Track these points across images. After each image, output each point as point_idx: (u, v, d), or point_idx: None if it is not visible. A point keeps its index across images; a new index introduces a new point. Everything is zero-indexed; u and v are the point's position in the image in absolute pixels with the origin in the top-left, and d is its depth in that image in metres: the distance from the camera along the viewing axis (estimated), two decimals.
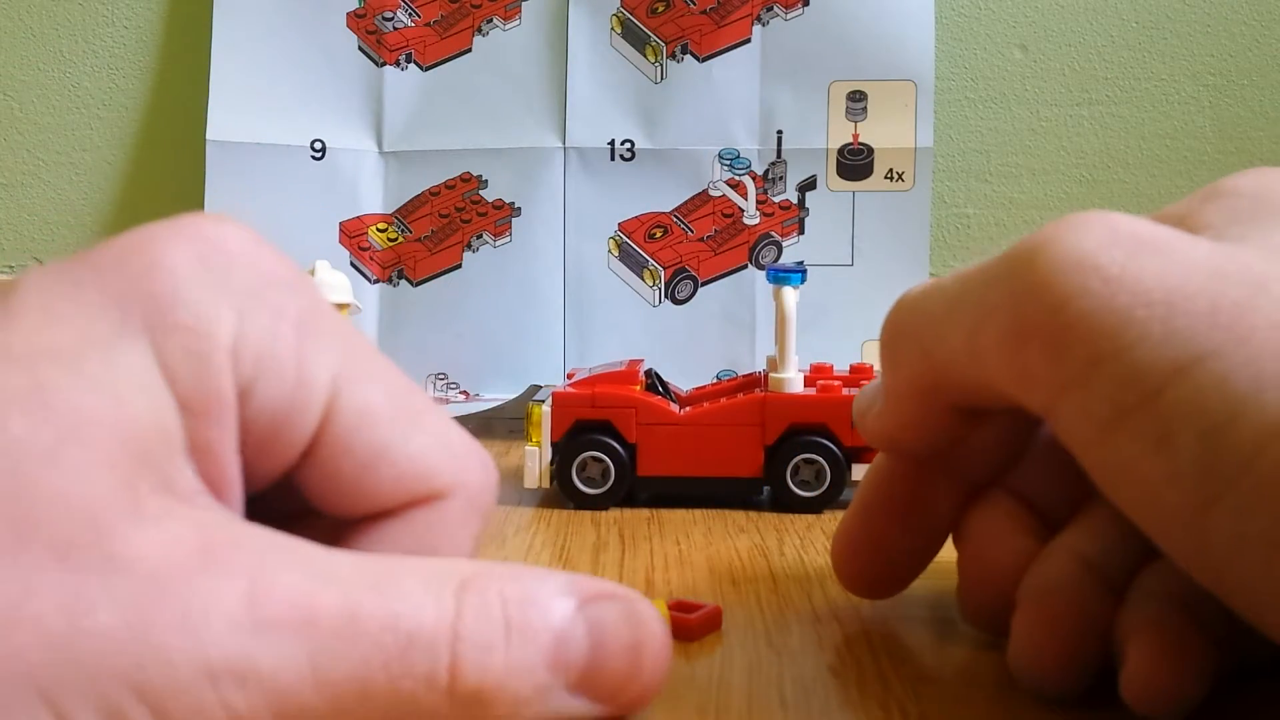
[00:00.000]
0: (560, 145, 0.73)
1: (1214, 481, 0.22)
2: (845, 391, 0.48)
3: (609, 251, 0.73)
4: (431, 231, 0.74)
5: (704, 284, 0.73)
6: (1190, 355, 0.23)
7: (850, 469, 0.47)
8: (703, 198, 0.73)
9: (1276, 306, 0.23)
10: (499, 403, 0.66)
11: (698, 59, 0.73)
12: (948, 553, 0.42)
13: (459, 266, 0.73)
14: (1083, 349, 0.24)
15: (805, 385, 0.48)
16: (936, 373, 0.28)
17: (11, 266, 0.80)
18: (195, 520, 0.21)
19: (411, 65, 0.74)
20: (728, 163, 0.73)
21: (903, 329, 0.29)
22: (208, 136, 0.74)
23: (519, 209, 0.73)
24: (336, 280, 0.51)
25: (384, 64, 0.74)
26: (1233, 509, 0.22)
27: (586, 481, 0.48)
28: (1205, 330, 0.23)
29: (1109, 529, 0.30)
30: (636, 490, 0.48)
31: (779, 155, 0.73)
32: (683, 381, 0.53)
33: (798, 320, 0.48)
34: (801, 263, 0.50)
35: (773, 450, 0.48)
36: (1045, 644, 0.28)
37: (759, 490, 0.49)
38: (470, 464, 0.26)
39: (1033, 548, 0.31)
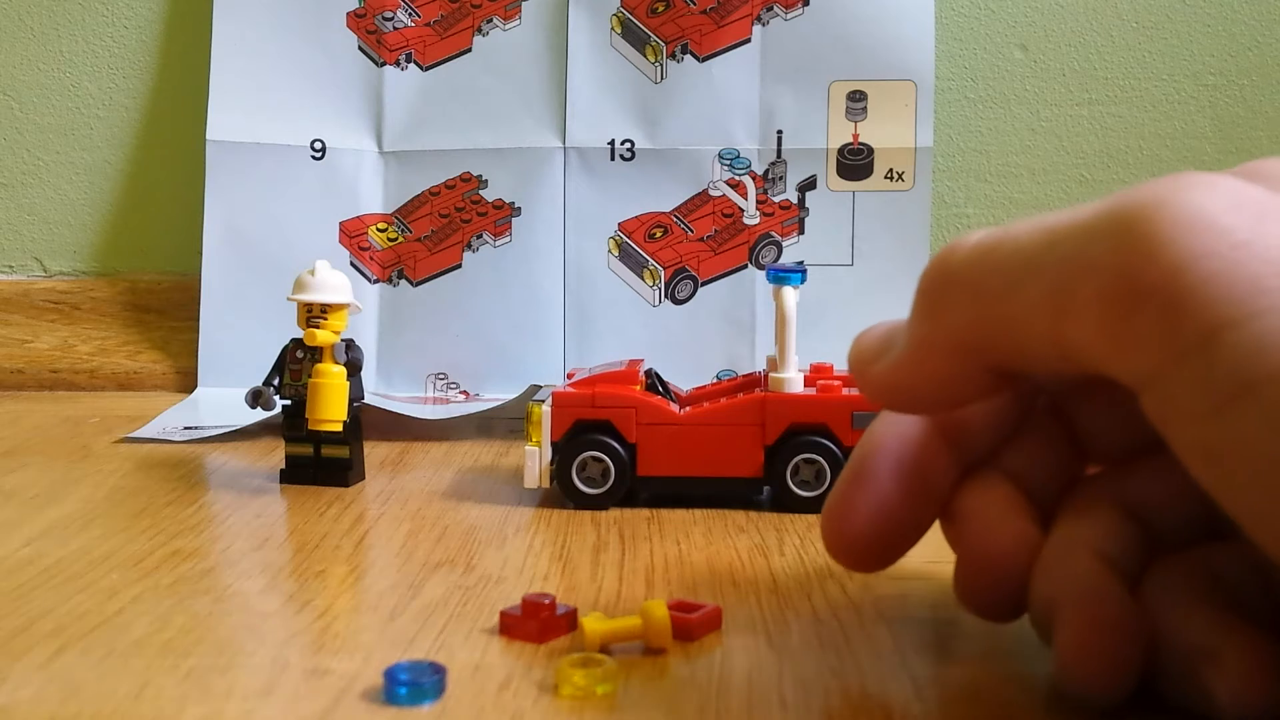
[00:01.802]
0: (560, 145, 0.73)
1: None
2: (845, 391, 0.48)
3: (609, 251, 0.73)
4: (431, 231, 0.74)
5: (704, 284, 0.73)
6: None
7: None
8: (703, 198, 0.73)
9: None
10: (499, 403, 0.66)
11: (698, 59, 0.73)
12: (946, 553, 0.42)
13: (459, 266, 0.73)
14: (1205, 314, 0.22)
15: (805, 385, 0.48)
16: (993, 327, 0.26)
17: (11, 266, 0.80)
18: None
19: (411, 65, 0.74)
20: (728, 163, 0.73)
21: (957, 277, 0.27)
22: (208, 136, 0.74)
23: (519, 209, 0.73)
24: (336, 280, 0.51)
25: (384, 64, 0.74)
26: None
27: (586, 481, 0.48)
28: None
29: (1122, 526, 0.29)
30: (636, 490, 0.48)
31: (779, 155, 0.73)
32: (683, 381, 0.53)
33: (798, 320, 0.48)
34: (801, 263, 0.50)
35: (773, 450, 0.48)
36: (1103, 651, 0.27)
37: (759, 490, 0.48)
38: None
39: (1032, 531, 0.30)
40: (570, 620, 0.34)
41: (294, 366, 0.51)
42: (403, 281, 0.74)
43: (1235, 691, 0.25)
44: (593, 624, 0.32)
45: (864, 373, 0.30)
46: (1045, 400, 0.32)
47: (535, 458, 0.48)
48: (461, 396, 0.71)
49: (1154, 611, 0.28)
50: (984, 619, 0.31)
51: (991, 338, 0.27)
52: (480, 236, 0.73)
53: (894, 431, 0.32)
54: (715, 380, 0.60)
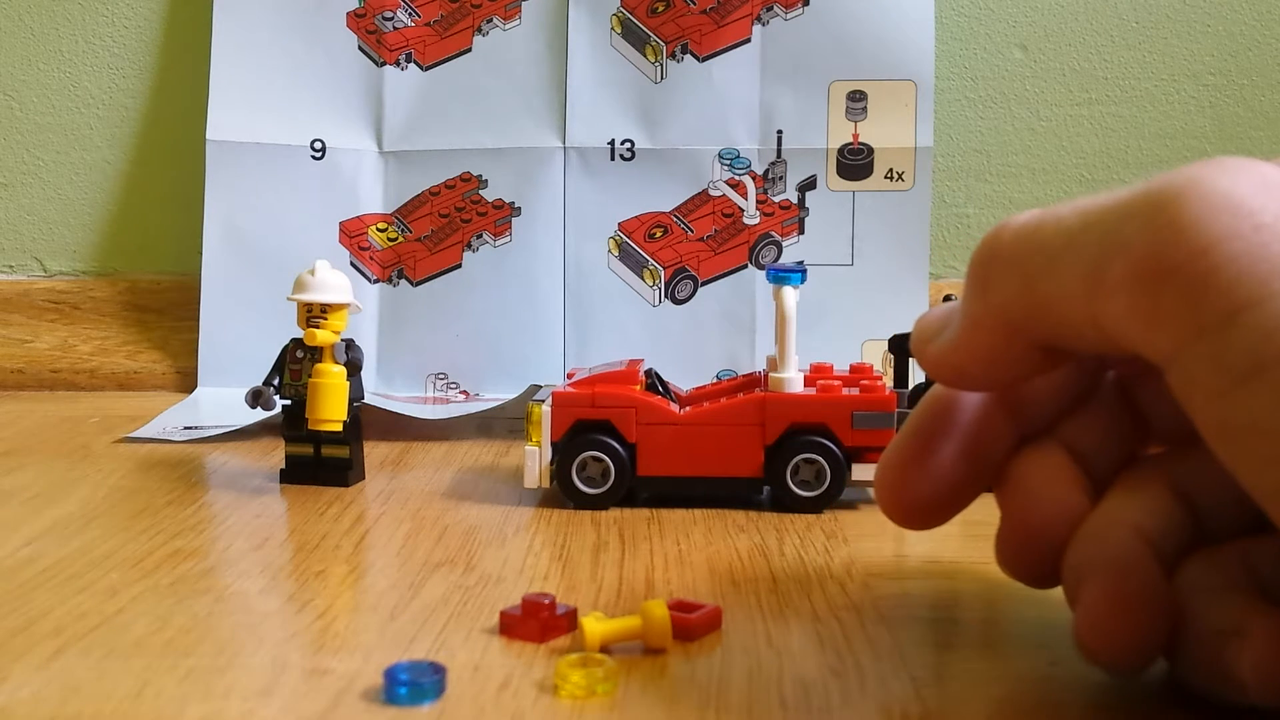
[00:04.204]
0: (560, 145, 0.73)
1: None
2: (845, 391, 0.48)
3: (609, 251, 0.73)
4: (431, 231, 0.74)
5: (704, 284, 0.73)
6: None
7: (850, 469, 0.47)
8: (703, 198, 0.73)
9: None
10: (499, 403, 0.66)
11: (698, 59, 0.73)
12: (946, 553, 0.42)
13: (459, 266, 0.73)
14: (1226, 294, 0.23)
15: (805, 385, 0.48)
16: (1036, 305, 0.27)
17: (11, 266, 0.80)
18: None
19: (411, 65, 0.74)
20: (728, 163, 0.73)
21: (1004, 255, 0.28)
22: (208, 136, 0.74)
23: (519, 209, 0.73)
24: (336, 280, 0.51)
25: (384, 64, 0.74)
26: None
27: (586, 481, 0.48)
28: None
29: (1169, 508, 0.29)
30: (636, 490, 0.48)
31: (779, 155, 0.73)
32: (683, 381, 0.53)
33: (798, 320, 0.48)
34: (801, 262, 0.50)
35: (773, 450, 0.48)
36: (1121, 623, 0.27)
37: (759, 490, 0.48)
38: None
39: (1080, 504, 0.30)
40: (570, 620, 0.34)
41: (294, 366, 0.51)
42: (403, 281, 0.74)
43: (1259, 668, 0.26)
44: (593, 624, 0.32)
45: (922, 351, 0.31)
46: (1114, 375, 0.32)
47: (535, 458, 0.48)
48: (461, 396, 0.71)
49: (1184, 595, 0.28)
50: (1020, 583, 0.32)
51: (1035, 316, 0.27)
52: (480, 236, 0.73)
53: (952, 396, 0.32)
54: (715, 380, 0.60)
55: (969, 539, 0.42)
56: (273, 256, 0.73)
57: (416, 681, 0.29)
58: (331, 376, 0.50)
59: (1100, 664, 0.28)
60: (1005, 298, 0.28)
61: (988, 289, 0.28)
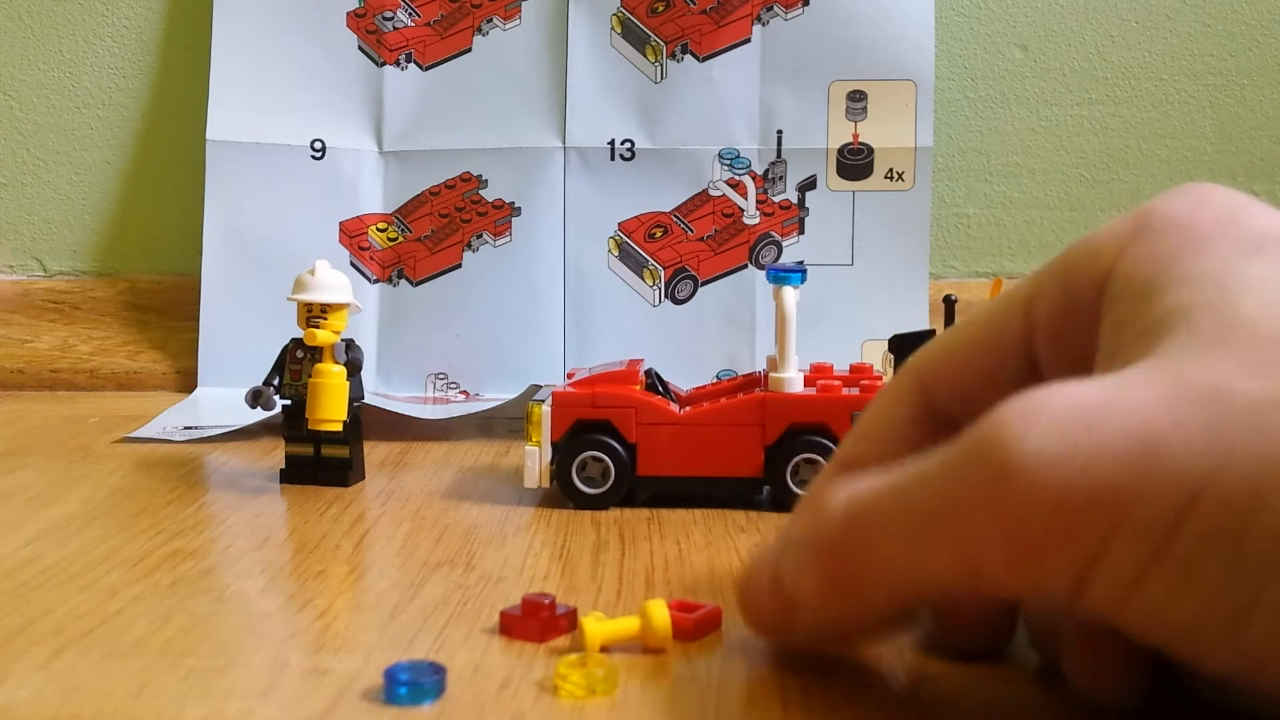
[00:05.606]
0: (560, 145, 0.73)
1: (1241, 590, 0.22)
2: (845, 391, 0.48)
3: (609, 251, 0.73)
4: (431, 231, 0.74)
5: (704, 284, 0.73)
6: (1187, 492, 0.22)
7: None
8: (703, 197, 0.73)
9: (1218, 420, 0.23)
10: (499, 403, 0.66)
11: (698, 59, 0.73)
12: None
13: (459, 266, 0.73)
14: (1092, 530, 0.23)
15: (805, 385, 0.48)
16: (916, 592, 0.27)
17: (11, 266, 0.80)
18: None
19: (411, 65, 0.74)
20: (728, 162, 0.73)
21: (857, 557, 0.27)
22: (208, 136, 0.74)
23: (519, 209, 0.73)
24: (336, 280, 0.51)
25: (384, 64, 0.74)
26: (1272, 608, 0.22)
27: (586, 481, 0.48)
28: (1195, 458, 0.22)
29: None
30: (636, 490, 0.48)
31: (779, 155, 0.73)
32: (683, 381, 0.53)
33: (798, 320, 0.48)
34: (801, 262, 0.50)
35: (773, 450, 0.48)
36: (1107, 674, 0.28)
37: (759, 490, 0.49)
38: None
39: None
40: (570, 620, 0.34)
41: (294, 366, 0.51)
42: (403, 281, 0.74)
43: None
44: (593, 624, 0.32)
45: (779, 625, 0.31)
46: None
47: (535, 458, 0.48)
48: (461, 396, 0.71)
49: None
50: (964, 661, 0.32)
51: (917, 595, 0.27)
52: (480, 236, 0.73)
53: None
54: (715, 380, 0.60)
55: None
56: (273, 256, 0.73)
57: (416, 681, 0.29)
58: (331, 376, 0.50)
59: (1094, 702, 0.28)
60: (878, 598, 0.28)
61: (857, 596, 0.28)
